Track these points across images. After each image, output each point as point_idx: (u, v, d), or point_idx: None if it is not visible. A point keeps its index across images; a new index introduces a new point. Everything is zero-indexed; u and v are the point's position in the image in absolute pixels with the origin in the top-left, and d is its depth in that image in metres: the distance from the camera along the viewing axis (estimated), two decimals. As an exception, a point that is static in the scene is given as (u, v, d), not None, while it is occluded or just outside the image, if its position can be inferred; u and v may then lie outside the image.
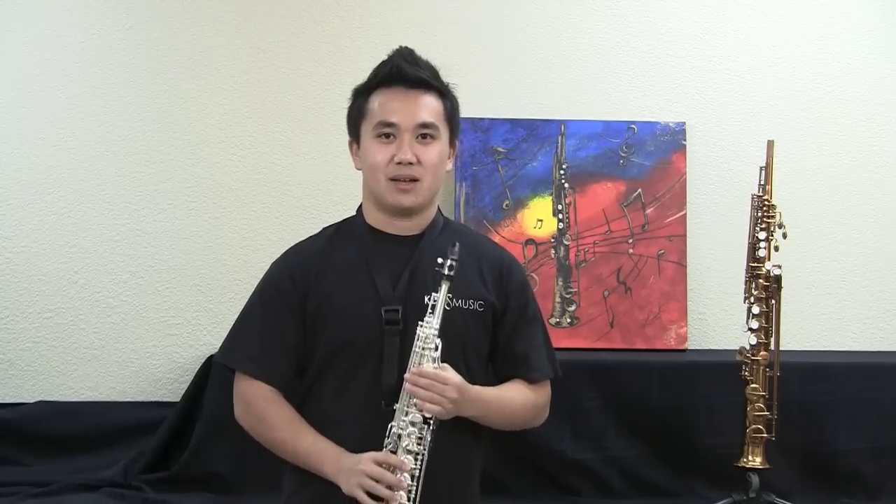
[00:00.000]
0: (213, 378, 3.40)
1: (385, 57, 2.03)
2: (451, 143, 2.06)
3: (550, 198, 3.73)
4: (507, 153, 3.73)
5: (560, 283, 3.68)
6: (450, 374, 1.86)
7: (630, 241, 3.71)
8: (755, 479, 3.01)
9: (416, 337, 1.85)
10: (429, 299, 1.86)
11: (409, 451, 1.81)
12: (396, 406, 1.84)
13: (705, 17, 3.85)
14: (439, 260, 1.86)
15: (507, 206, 3.72)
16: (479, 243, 2.11)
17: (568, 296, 3.67)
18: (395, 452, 1.81)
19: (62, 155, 3.67)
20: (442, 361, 1.86)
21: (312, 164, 3.74)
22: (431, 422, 1.83)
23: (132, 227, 3.69)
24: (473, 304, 2.00)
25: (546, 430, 3.28)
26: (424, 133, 1.97)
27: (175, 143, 3.71)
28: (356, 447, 1.87)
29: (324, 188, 3.71)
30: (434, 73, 2.02)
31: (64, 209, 3.68)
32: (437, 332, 1.84)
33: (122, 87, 3.69)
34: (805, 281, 3.76)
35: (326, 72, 3.74)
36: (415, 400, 1.82)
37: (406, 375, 1.84)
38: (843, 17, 3.87)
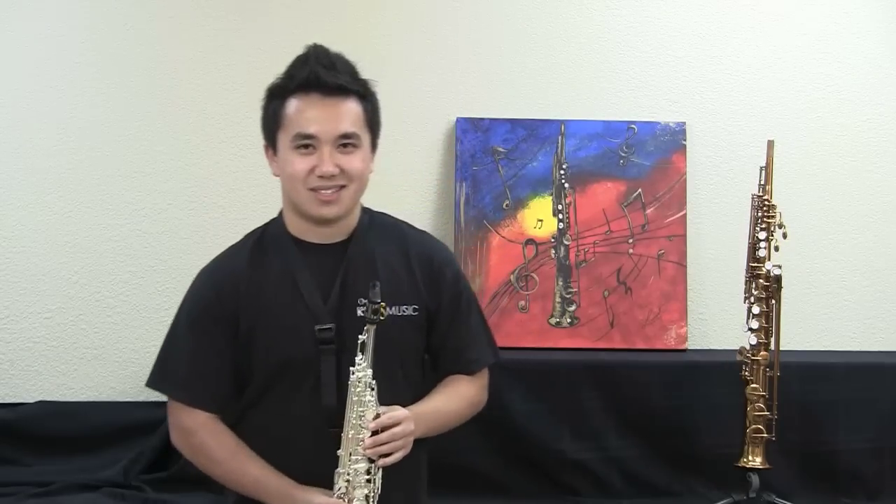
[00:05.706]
0: (213, 378, 3.40)
1: (300, 54, 1.90)
2: (373, 145, 1.96)
3: (550, 198, 3.73)
4: (507, 153, 3.73)
5: (560, 283, 3.68)
6: (399, 413, 1.81)
7: (630, 241, 3.71)
8: (755, 479, 3.00)
9: (350, 383, 1.77)
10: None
11: (362, 495, 1.76)
12: (340, 452, 1.77)
13: (705, 17, 3.85)
14: (362, 301, 1.82)
15: (507, 206, 3.72)
16: (405, 238, 2.02)
17: (568, 296, 3.67)
18: (350, 500, 1.76)
19: (62, 155, 3.67)
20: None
21: (312, 164, 3.73)
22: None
23: (132, 227, 3.69)
24: (407, 309, 1.94)
25: (546, 430, 3.34)
26: (345, 143, 1.87)
27: (175, 142, 3.71)
28: (301, 467, 1.84)
29: (324, 188, 3.71)
30: (353, 74, 1.90)
31: (64, 209, 3.68)
32: (371, 376, 1.77)
33: (122, 87, 3.69)
34: (805, 281, 3.76)
35: (326, 72, 3.74)
36: (364, 450, 1.76)
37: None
38: (843, 17, 3.87)
